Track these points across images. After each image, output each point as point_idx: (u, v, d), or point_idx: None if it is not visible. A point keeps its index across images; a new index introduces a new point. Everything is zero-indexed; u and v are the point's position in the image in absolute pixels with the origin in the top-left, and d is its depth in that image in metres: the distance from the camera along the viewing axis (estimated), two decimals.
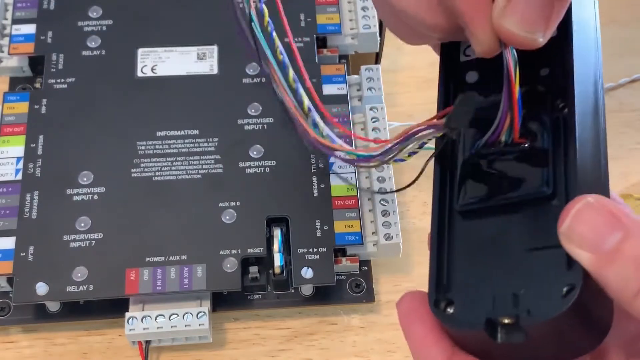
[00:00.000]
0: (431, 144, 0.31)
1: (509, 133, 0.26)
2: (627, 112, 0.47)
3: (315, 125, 0.37)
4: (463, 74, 0.30)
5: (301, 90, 0.37)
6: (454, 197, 0.28)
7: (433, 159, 0.29)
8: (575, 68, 0.26)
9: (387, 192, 0.40)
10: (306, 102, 0.37)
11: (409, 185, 0.37)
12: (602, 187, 0.26)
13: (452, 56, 0.30)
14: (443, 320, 0.26)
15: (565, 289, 0.23)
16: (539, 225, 0.26)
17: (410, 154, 0.35)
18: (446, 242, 0.28)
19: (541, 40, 0.25)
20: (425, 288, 0.27)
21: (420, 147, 0.33)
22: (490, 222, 0.27)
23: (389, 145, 0.33)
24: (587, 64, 0.27)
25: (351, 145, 0.39)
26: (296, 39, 0.44)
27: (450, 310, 0.26)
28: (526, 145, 0.27)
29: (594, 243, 0.22)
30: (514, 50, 0.25)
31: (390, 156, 0.34)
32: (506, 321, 0.24)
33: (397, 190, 0.40)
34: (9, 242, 0.38)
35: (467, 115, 0.27)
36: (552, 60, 0.27)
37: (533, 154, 0.27)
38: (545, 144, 0.27)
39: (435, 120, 0.29)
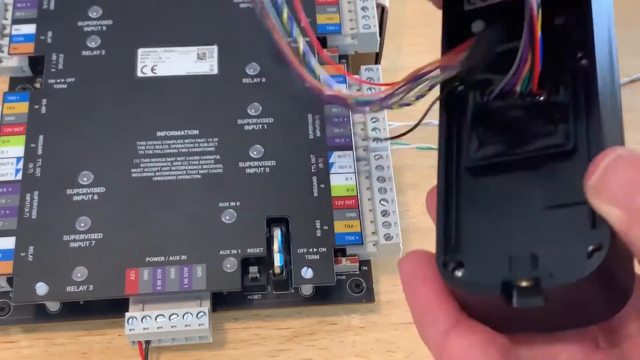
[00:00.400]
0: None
1: (527, 82, 0.25)
2: (627, 112, 0.47)
3: (312, 70, 0.34)
4: (468, 24, 0.28)
5: (296, 31, 0.33)
6: (463, 152, 0.26)
7: (438, 103, 0.27)
8: (594, 16, 0.24)
9: (381, 140, 0.37)
10: (301, 45, 0.33)
11: (406, 133, 0.34)
12: (622, 143, 0.24)
13: (455, 5, 0.28)
14: (452, 282, 0.24)
15: (590, 249, 0.22)
16: (559, 182, 0.24)
17: (417, 97, 0.31)
18: (454, 200, 0.26)
19: None
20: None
21: (430, 88, 0.29)
22: (504, 178, 0.25)
23: (393, 89, 0.30)
24: (603, 15, 0.25)
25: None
26: None
27: (459, 272, 0.24)
28: (543, 97, 0.25)
29: (626, 199, 0.20)
30: None
31: (394, 100, 0.31)
32: (524, 284, 0.22)
33: (392, 138, 0.37)
34: (9, 242, 0.38)
35: (487, 54, 0.25)
36: (568, 8, 0.25)
37: (551, 107, 0.25)
38: (564, 97, 0.25)
39: (450, 58, 0.27)
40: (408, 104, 0.31)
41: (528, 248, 0.24)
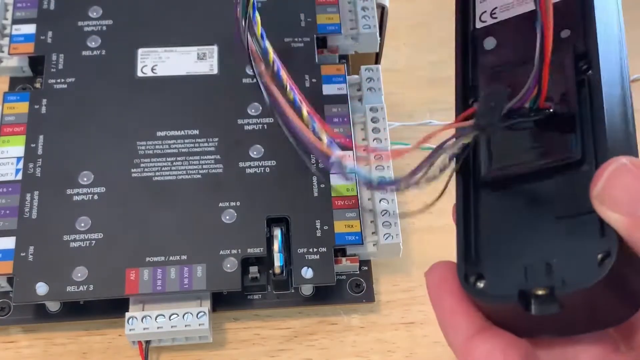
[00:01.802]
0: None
1: (535, 99, 0.26)
2: None
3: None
4: (480, 41, 0.29)
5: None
6: (478, 166, 0.27)
7: (454, 173, 0.28)
8: (597, 27, 0.25)
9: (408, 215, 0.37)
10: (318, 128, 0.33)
11: (435, 201, 0.32)
12: (631, 150, 0.25)
13: (466, 23, 0.29)
14: (474, 295, 0.25)
15: (600, 256, 0.23)
16: (569, 192, 0.25)
17: (441, 170, 0.30)
18: (472, 213, 0.27)
19: None
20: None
21: (452, 159, 0.29)
22: (517, 190, 0.26)
23: (415, 168, 0.31)
24: (608, 24, 0.26)
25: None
26: (296, 39, 0.44)
27: (480, 284, 0.26)
28: (551, 110, 0.26)
29: (628, 205, 0.21)
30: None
31: (419, 176, 0.31)
32: (540, 292, 0.23)
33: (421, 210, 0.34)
34: (9, 242, 0.38)
35: (496, 112, 0.26)
36: (573, 21, 0.26)
37: (558, 118, 0.26)
38: (571, 109, 0.26)
39: (460, 123, 0.28)
40: (435, 177, 0.30)
41: (542, 257, 0.24)
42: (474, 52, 0.29)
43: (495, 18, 0.29)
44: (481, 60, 0.29)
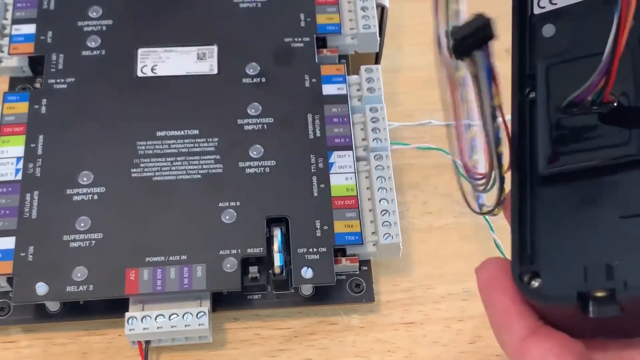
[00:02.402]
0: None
1: (600, 91, 0.24)
2: None
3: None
4: (538, 28, 0.28)
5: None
6: (535, 160, 0.26)
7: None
8: None
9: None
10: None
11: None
12: None
13: (525, 9, 0.28)
14: (528, 294, 0.25)
15: None
16: (635, 191, 0.24)
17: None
18: (528, 210, 0.26)
19: None
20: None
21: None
22: (577, 186, 0.25)
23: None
24: None
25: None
26: (296, 39, 0.44)
27: (535, 283, 0.25)
28: (615, 103, 0.25)
29: None
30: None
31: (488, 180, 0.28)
32: (600, 294, 0.23)
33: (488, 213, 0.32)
34: (9, 242, 0.38)
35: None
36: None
37: (623, 112, 0.25)
38: (636, 103, 0.25)
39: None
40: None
41: (603, 258, 0.24)
42: (531, 39, 0.28)
43: (555, 4, 0.28)
44: (539, 48, 0.28)
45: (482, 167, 0.28)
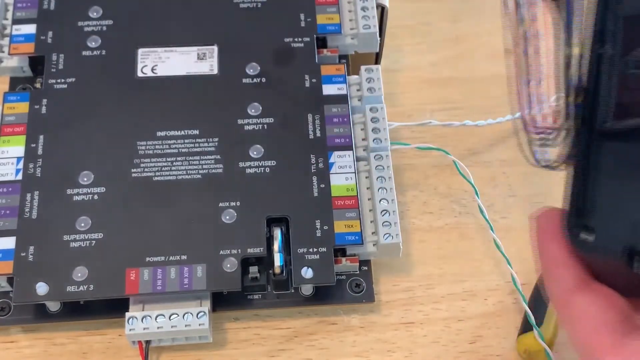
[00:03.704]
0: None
1: None
2: None
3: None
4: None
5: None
6: (600, 115, 0.26)
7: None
8: None
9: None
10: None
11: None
12: None
13: None
14: (578, 246, 0.25)
15: None
16: None
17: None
18: (586, 164, 0.26)
19: None
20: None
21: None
22: (636, 145, 0.25)
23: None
24: None
25: None
26: (296, 39, 0.44)
27: (585, 236, 0.25)
28: None
29: None
30: None
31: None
32: None
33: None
34: (9, 242, 0.38)
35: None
36: None
37: None
38: None
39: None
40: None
41: None
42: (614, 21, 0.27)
43: None
44: (617, 3, 0.27)
45: (542, 120, 0.28)
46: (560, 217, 0.26)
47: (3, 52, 0.44)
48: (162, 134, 0.42)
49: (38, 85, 0.44)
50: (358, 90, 0.44)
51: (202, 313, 0.37)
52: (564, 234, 0.26)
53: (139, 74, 0.43)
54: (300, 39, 0.44)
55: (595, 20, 0.27)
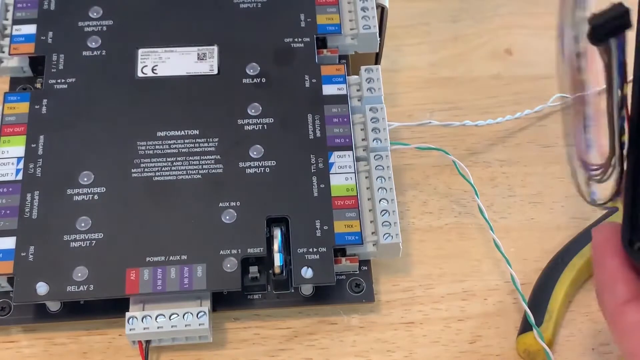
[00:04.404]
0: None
1: None
2: None
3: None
4: None
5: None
6: None
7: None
8: None
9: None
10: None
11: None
12: None
13: None
14: (636, 260, 0.25)
15: None
16: None
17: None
18: None
19: None
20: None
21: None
22: None
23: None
24: None
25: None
26: (296, 39, 0.44)
27: None
28: None
29: None
30: None
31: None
32: None
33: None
34: (9, 242, 0.38)
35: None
36: None
37: None
38: None
39: None
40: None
41: None
42: None
43: None
44: None
45: (596, 158, 0.29)
46: (619, 232, 0.26)
47: (3, 52, 0.44)
48: (162, 134, 0.42)
49: (38, 86, 0.44)
50: (358, 90, 0.44)
51: (202, 313, 0.37)
52: (622, 248, 0.26)
53: (139, 74, 0.43)
54: (300, 39, 0.44)
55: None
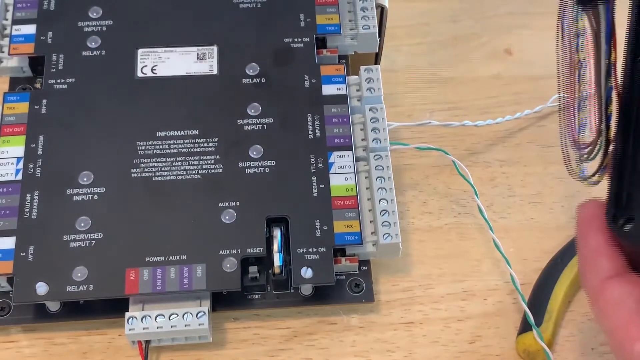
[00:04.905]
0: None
1: None
2: None
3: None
4: None
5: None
6: (638, 121, 0.27)
7: None
8: None
9: None
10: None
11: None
12: None
13: None
14: (620, 235, 0.25)
15: None
16: None
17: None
18: (630, 157, 0.27)
19: None
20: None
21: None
22: None
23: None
24: None
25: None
26: (296, 39, 0.44)
27: (628, 227, 0.25)
28: None
29: None
30: None
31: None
32: None
33: None
34: (9, 242, 0.38)
35: None
36: None
37: None
38: None
39: None
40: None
41: None
42: None
43: None
44: None
45: (589, 138, 0.29)
46: (604, 208, 0.26)
47: (3, 52, 0.44)
48: (162, 134, 0.42)
49: (38, 86, 0.44)
50: (358, 90, 0.44)
51: (201, 313, 0.37)
52: (605, 224, 0.26)
53: (139, 74, 0.43)
54: (300, 39, 0.44)
55: (632, 33, 0.27)
